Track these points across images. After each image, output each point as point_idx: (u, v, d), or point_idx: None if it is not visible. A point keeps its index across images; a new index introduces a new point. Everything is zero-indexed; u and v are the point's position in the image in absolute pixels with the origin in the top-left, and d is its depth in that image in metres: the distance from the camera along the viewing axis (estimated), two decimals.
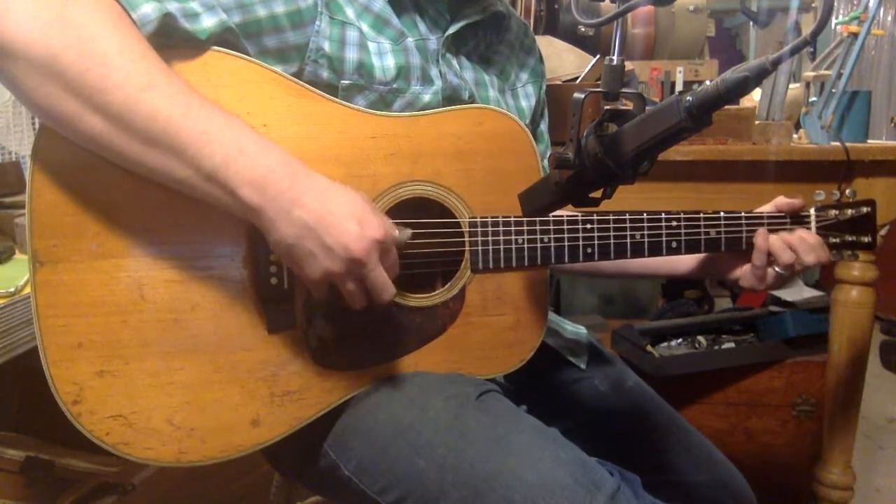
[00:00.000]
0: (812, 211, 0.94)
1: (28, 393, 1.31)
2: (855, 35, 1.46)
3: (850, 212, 0.94)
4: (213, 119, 0.67)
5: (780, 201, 0.94)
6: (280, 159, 0.68)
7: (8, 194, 1.33)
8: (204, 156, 0.66)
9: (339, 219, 0.68)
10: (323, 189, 0.69)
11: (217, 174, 0.66)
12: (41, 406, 0.74)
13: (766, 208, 0.94)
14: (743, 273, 0.92)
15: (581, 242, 0.86)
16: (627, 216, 0.87)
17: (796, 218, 0.93)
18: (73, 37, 0.63)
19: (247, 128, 0.69)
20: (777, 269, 0.90)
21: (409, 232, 0.76)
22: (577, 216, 0.86)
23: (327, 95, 0.79)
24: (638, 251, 0.87)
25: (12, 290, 0.97)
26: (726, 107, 0.73)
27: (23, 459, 1.15)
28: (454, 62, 0.91)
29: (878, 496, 1.98)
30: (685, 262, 0.98)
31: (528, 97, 1.03)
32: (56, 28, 0.63)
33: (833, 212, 0.94)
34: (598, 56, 1.67)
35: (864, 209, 0.94)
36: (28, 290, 0.71)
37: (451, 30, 0.90)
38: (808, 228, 0.93)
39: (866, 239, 0.95)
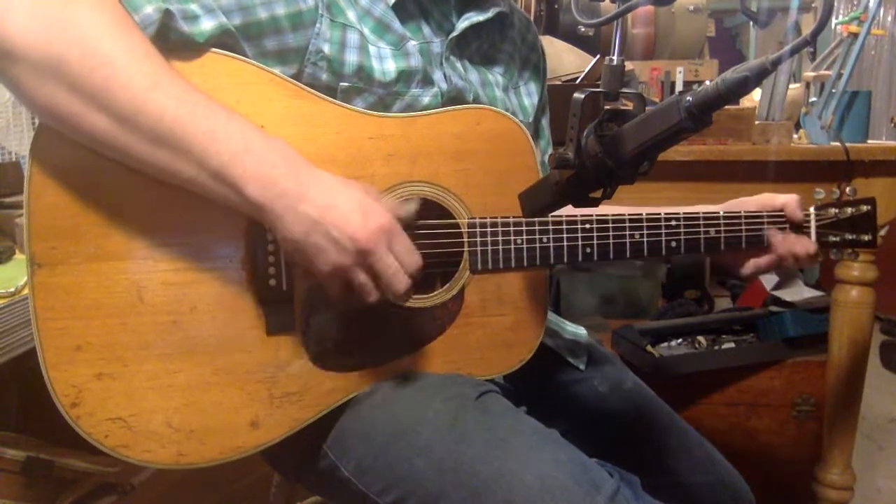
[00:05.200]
0: (812, 210, 0.94)
1: (28, 393, 1.31)
2: (855, 35, 1.46)
3: (849, 210, 0.94)
4: (218, 117, 0.67)
5: (764, 200, 0.93)
6: (285, 156, 0.69)
7: (8, 194, 1.33)
8: (210, 154, 0.66)
9: (343, 211, 0.68)
10: (327, 184, 0.70)
11: (224, 172, 0.66)
12: (41, 406, 0.74)
13: (753, 206, 0.93)
14: (748, 266, 0.93)
15: (580, 243, 0.86)
16: (627, 216, 0.87)
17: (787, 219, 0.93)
18: (75, 37, 0.63)
19: (250, 125, 0.69)
20: None
21: (412, 206, 0.76)
22: (576, 216, 0.86)
23: (325, 97, 0.79)
24: (637, 251, 0.87)
25: (12, 290, 0.97)
26: (726, 107, 0.73)
27: (23, 459, 1.15)
28: (458, 65, 0.91)
29: (878, 496, 1.98)
30: None
31: (530, 95, 1.03)
32: (57, 28, 0.63)
33: (833, 210, 0.94)
34: (598, 56, 1.67)
35: (864, 207, 0.94)
36: (28, 290, 0.71)
37: (455, 32, 0.89)
38: (808, 227, 0.93)
39: (866, 237, 0.94)
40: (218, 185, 0.67)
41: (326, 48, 0.80)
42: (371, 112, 0.81)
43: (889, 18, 3.52)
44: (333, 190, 0.70)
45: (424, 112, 0.84)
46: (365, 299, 0.73)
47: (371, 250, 0.69)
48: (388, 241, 0.70)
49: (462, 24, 0.90)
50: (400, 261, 0.71)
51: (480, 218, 0.84)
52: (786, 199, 0.93)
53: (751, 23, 2.22)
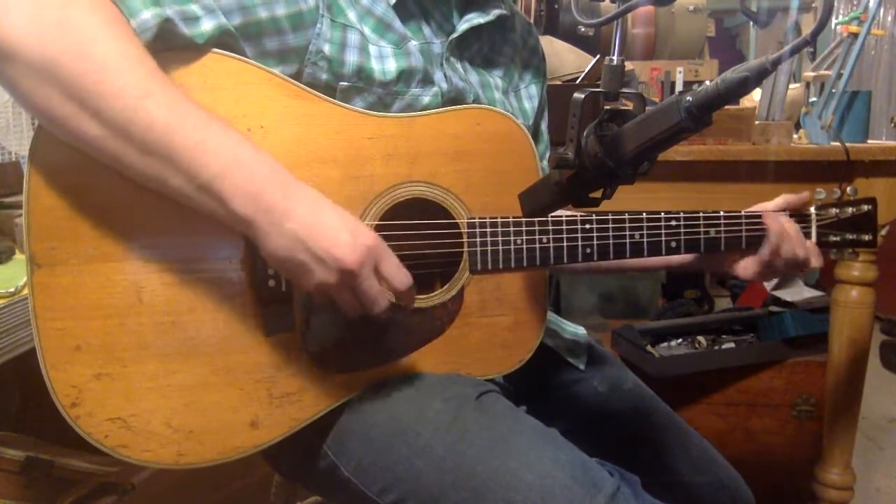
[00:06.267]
0: (812, 210, 0.94)
1: (28, 393, 1.31)
2: (855, 35, 1.46)
3: (850, 210, 0.94)
4: (210, 128, 0.67)
5: (789, 197, 0.94)
6: (273, 170, 0.68)
7: (8, 194, 1.33)
8: (200, 166, 0.65)
9: (330, 230, 0.68)
10: (314, 201, 0.69)
11: (212, 185, 0.66)
12: (41, 406, 0.74)
13: (774, 205, 0.94)
14: (744, 266, 0.91)
15: (580, 243, 0.86)
16: (626, 216, 0.87)
17: (798, 217, 0.93)
18: (70, 40, 0.63)
19: (242, 137, 0.69)
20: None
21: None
22: (576, 217, 0.86)
23: (325, 96, 0.79)
24: (637, 251, 0.87)
25: (12, 290, 0.97)
26: (726, 107, 0.73)
27: (23, 459, 1.15)
28: (458, 66, 0.91)
29: (878, 496, 1.98)
30: (680, 256, 0.97)
31: (530, 98, 1.03)
32: (54, 31, 0.63)
33: (833, 210, 0.94)
34: (598, 56, 1.67)
35: (865, 207, 0.94)
36: (28, 290, 0.71)
37: (456, 33, 0.89)
38: (809, 227, 0.93)
39: (867, 237, 0.94)
40: (205, 197, 0.66)
41: (327, 48, 0.80)
42: (371, 112, 0.81)
43: (889, 18, 3.52)
44: (322, 207, 0.69)
45: (424, 112, 0.84)
46: (348, 315, 0.73)
47: (355, 272, 0.68)
48: (374, 261, 0.70)
49: (462, 25, 0.90)
50: (388, 280, 0.71)
51: (480, 218, 0.84)
52: (789, 196, 0.94)
53: (751, 23, 2.22)
